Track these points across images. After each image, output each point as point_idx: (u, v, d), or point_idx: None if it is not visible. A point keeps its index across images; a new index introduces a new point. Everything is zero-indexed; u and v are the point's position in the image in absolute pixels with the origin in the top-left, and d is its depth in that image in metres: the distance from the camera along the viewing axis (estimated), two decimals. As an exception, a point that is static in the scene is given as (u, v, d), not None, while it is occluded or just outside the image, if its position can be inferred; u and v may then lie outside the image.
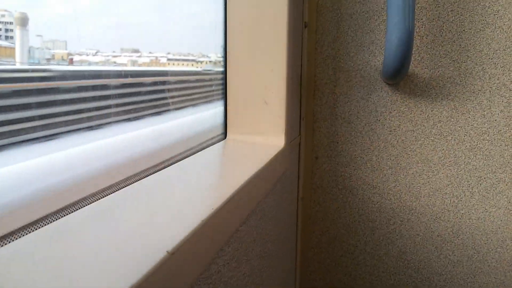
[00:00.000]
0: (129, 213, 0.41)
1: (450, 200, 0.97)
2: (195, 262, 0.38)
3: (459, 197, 0.96)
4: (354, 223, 1.05)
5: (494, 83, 0.90)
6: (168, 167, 0.59)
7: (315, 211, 1.07)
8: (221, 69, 0.83)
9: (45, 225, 0.38)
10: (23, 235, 0.36)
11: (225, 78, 0.81)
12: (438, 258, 1.01)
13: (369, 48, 0.96)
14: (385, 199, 1.01)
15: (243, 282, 0.56)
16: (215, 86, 0.84)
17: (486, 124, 0.92)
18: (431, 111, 0.95)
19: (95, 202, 0.43)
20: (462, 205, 0.96)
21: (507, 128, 0.91)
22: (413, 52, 0.93)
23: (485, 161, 0.93)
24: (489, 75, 0.90)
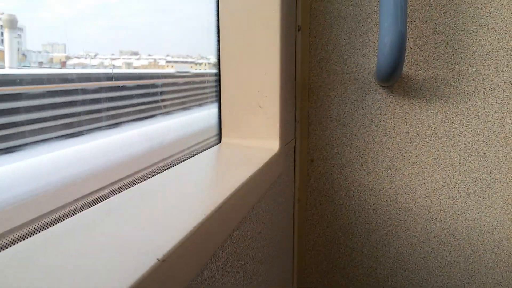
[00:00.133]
0: (120, 220, 0.41)
1: (446, 201, 0.97)
2: (186, 268, 0.38)
3: (455, 198, 0.97)
4: (350, 225, 1.05)
5: (488, 84, 0.91)
6: (162, 173, 0.59)
7: (312, 213, 1.07)
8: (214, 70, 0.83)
9: (35, 233, 0.38)
10: (13, 244, 0.36)
11: (219, 82, 0.81)
12: (435, 259, 1.01)
13: (363, 50, 0.96)
14: (381, 201, 1.01)
15: (238, 287, 0.56)
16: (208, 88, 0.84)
17: (481, 125, 0.92)
18: (426, 112, 0.95)
19: (87, 210, 0.43)
20: (458, 206, 0.97)
21: (502, 129, 0.91)
22: (406, 54, 0.93)
23: (480, 162, 0.94)
24: (482, 76, 0.91)
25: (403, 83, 0.95)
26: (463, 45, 0.91)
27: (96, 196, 0.47)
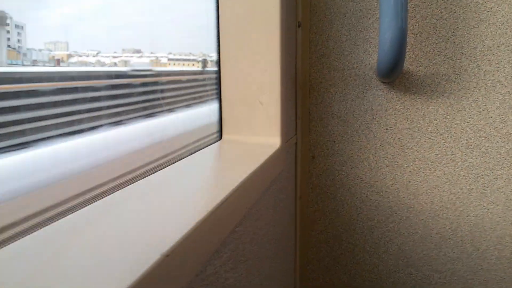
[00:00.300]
0: (124, 215, 0.41)
1: (448, 198, 0.97)
2: (190, 264, 0.38)
3: (457, 195, 0.96)
4: (352, 221, 1.04)
5: (489, 80, 0.90)
6: (164, 169, 0.59)
7: (313, 210, 1.07)
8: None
9: (39, 228, 0.38)
10: (18, 239, 0.36)
11: (219, 79, 0.81)
12: (437, 256, 1.00)
13: (363, 46, 0.96)
14: (383, 198, 1.01)
15: (241, 283, 0.56)
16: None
17: (482, 121, 0.92)
18: (427, 108, 0.95)
19: (90, 205, 0.43)
20: (460, 203, 0.96)
21: (503, 125, 0.91)
22: (407, 50, 0.93)
23: (482, 158, 0.93)
24: (484, 72, 0.90)
25: (404, 79, 0.95)
26: (464, 41, 0.91)
27: (99, 191, 0.47)
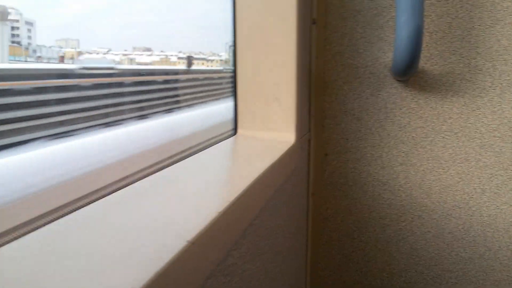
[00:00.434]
0: (148, 204, 0.42)
1: (461, 197, 0.97)
2: (213, 252, 0.39)
3: (470, 194, 0.96)
4: (364, 219, 1.04)
5: (505, 80, 0.90)
6: (182, 161, 0.60)
7: (326, 207, 1.07)
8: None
9: (64, 215, 0.39)
10: (47, 224, 0.37)
11: (235, 75, 0.81)
12: (449, 255, 1.00)
13: (378, 44, 0.96)
14: (396, 196, 1.01)
15: (257, 275, 0.57)
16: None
17: (497, 121, 0.92)
18: (441, 107, 0.94)
19: (115, 193, 0.43)
20: (473, 202, 0.96)
21: None
22: (422, 49, 0.92)
23: (496, 158, 0.93)
24: (499, 71, 0.90)
25: (419, 78, 0.95)
26: (479, 40, 0.90)
27: (121, 183, 0.48)
